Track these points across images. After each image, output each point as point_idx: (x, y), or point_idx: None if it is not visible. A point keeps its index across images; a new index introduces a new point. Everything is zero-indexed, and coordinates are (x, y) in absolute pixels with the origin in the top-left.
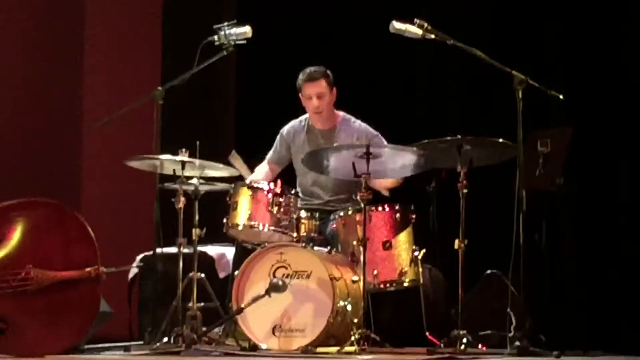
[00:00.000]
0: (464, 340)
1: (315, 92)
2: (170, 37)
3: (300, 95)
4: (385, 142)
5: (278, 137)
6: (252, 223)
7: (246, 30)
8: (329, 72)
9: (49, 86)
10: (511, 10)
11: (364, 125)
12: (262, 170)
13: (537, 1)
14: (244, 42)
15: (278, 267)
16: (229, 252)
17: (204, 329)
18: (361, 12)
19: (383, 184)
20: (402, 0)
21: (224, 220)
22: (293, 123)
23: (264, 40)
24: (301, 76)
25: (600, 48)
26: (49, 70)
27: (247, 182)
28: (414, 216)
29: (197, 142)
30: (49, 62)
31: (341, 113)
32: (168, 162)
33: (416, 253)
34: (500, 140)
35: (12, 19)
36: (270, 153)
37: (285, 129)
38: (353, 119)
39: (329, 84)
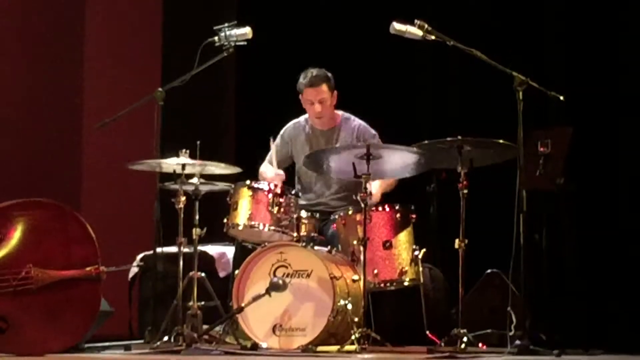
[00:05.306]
0: (464, 339)
1: (317, 97)
2: (170, 38)
3: (300, 96)
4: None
5: (278, 138)
6: (253, 223)
7: (246, 31)
8: (329, 75)
9: (49, 86)
10: (511, 11)
11: (363, 123)
12: (271, 168)
13: (537, 1)
14: (244, 43)
15: (278, 267)
16: (229, 251)
17: (204, 327)
18: (361, 13)
19: (376, 194)
20: (402, 1)
21: (225, 221)
22: (293, 124)
23: (264, 40)
24: (302, 80)
25: (600, 48)
26: (49, 70)
27: (248, 182)
28: (414, 216)
29: (198, 142)
30: (49, 62)
31: (341, 112)
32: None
33: (416, 252)
34: (501, 140)
35: (12, 19)
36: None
37: (285, 131)
38: (352, 117)
39: (330, 88)
